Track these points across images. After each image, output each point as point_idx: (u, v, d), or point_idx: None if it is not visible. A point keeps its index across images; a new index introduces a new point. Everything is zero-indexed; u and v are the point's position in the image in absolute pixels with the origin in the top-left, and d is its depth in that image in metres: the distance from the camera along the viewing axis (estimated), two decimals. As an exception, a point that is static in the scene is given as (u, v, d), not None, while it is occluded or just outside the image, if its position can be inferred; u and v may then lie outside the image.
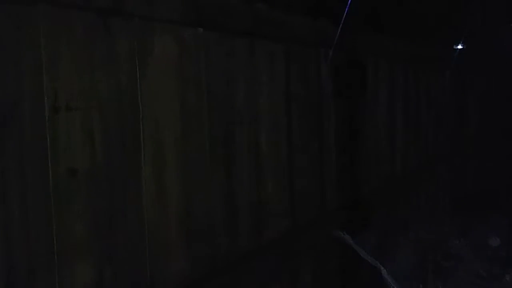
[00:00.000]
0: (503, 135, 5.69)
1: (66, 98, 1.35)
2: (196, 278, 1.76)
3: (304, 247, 2.40)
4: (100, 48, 1.43)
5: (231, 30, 1.96)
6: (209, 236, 1.84)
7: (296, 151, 2.42)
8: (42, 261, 1.31)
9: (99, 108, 1.42)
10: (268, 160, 2.19)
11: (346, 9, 2.82)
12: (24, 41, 1.27)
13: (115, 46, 1.46)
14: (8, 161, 1.24)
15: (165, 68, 1.64)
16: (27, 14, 1.29)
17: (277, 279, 2.23)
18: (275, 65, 2.25)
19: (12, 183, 1.25)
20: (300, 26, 2.43)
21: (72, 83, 1.37)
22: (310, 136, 2.53)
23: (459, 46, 4.44)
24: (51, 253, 1.32)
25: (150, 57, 1.58)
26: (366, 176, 3.13)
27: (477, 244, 4.16)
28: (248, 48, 2.06)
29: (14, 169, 1.25)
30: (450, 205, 4.50)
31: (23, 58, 1.28)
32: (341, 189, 2.82)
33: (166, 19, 1.64)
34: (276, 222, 2.23)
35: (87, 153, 1.39)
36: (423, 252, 3.48)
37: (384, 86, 3.35)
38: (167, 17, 1.63)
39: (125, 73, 1.50)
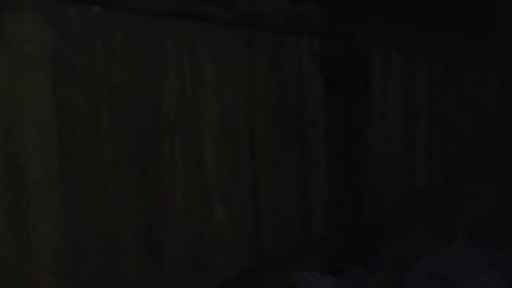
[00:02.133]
0: None
1: None
2: None
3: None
4: None
5: (151, 11, 1.54)
6: None
7: (263, 166, 1.96)
8: None
9: None
10: (217, 179, 1.75)
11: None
12: None
13: None
14: None
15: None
16: None
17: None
18: (229, 56, 1.81)
19: None
20: (269, 9, 1.98)
21: None
22: (286, 146, 2.07)
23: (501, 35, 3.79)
24: None
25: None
26: (371, 194, 2.60)
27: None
28: (181, 33, 1.63)
29: None
30: (483, 231, 3.83)
31: None
32: (333, 211, 2.33)
33: None
34: (228, 260, 1.79)
35: None
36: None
37: (397, 83, 2.81)
38: None
39: None
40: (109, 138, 1.40)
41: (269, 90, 1.99)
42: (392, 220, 2.72)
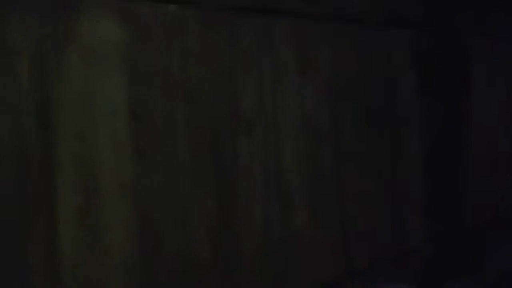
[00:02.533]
0: None
1: None
2: None
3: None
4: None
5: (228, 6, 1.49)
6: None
7: (349, 168, 1.83)
8: None
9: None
10: (299, 182, 1.65)
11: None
12: None
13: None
14: None
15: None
16: None
17: None
18: (313, 52, 1.70)
19: None
20: (356, 1, 1.85)
21: None
22: (376, 148, 1.91)
23: None
24: None
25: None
26: (473, 199, 2.34)
27: None
28: (259, 29, 1.57)
29: None
30: None
31: None
32: (429, 218, 2.13)
33: None
34: (311, 268, 1.68)
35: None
36: None
37: (505, 79, 2.52)
38: None
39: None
40: (183, 138, 1.37)
41: (356, 87, 1.86)
42: (497, 229, 2.45)
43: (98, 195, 1.21)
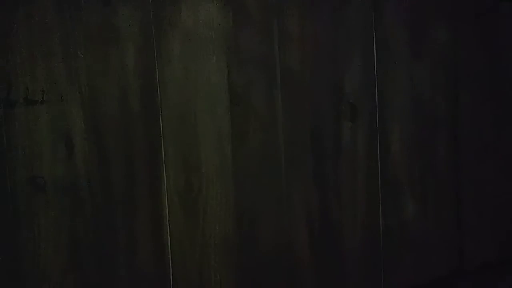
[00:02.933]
0: None
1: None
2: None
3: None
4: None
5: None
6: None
7: (468, 158, 1.66)
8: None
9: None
10: (408, 171, 1.53)
11: None
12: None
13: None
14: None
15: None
16: None
17: None
18: (426, 28, 1.55)
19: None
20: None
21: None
22: (502, 134, 1.70)
23: None
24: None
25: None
26: None
27: None
28: (365, 7, 1.44)
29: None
30: None
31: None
32: None
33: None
34: (419, 264, 1.56)
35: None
36: None
37: None
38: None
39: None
40: (283, 123, 1.35)
41: (480, 67, 1.68)
42: None
43: (199, 176, 1.24)
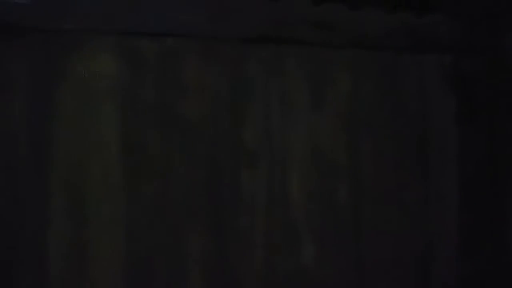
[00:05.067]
0: None
1: None
2: None
3: None
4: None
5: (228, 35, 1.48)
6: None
7: (368, 203, 1.75)
8: None
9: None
10: (308, 218, 1.59)
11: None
12: None
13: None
14: None
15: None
16: None
17: None
18: (328, 81, 1.65)
19: None
20: (381, 26, 1.77)
21: None
22: (402, 181, 1.80)
23: None
24: None
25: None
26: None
27: None
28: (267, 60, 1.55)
29: None
30: None
31: None
32: (467, 256, 1.97)
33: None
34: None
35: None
36: None
37: None
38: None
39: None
40: (179, 172, 1.40)
41: (380, 117, 1.79)
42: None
43: (88, 228, 1.26)
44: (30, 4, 1.18)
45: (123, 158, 1.31)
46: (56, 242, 1.23)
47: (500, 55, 2.07)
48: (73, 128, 1.26)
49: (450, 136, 1.95)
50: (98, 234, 1.28)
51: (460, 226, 1.97)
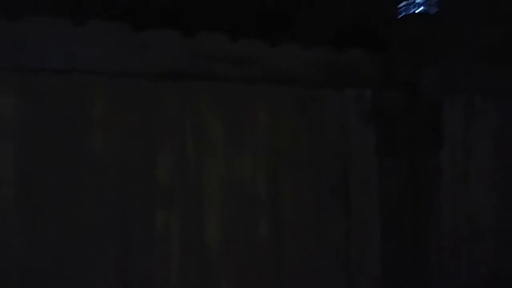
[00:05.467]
0: None
1: None
2: None
3: None
4: None
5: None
6: None
7: (290, 238, 1.75)
8: None
9: None
10: (226, 255, 1.57)
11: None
12: None
13: None
14: None
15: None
16: None
17: None
18: (246, 116, 1.66)
19: None
20: (300, 61, 1.81)
21: None
22: (324, 215, 1.81)
23: None
24: None
25: None
26: (443, 272, 2.20)
27: None
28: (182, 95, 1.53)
29: None
30: None
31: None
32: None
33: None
34: None
35: None
36: None
37: (486, 136, 2.41)
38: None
39: None
40: (86, 210, 1.35)
41: (301, 151, 1.80)
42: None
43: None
44: None
45: (21, 198, 1.25)
46: None
47: (418, 89, 2.15)
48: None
49: (371, 170, 1.99)
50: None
51: (382, 258, 2.00)
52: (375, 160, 1.99)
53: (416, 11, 2.11)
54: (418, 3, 2.15)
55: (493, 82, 2.44)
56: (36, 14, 1.26)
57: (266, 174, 1.70)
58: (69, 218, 1.32)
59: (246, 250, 1.63)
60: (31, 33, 1.26)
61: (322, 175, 1.84)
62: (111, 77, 1.38)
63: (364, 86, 1.98)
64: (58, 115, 1.31)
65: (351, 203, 1.92)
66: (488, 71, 2.45)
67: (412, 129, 2.11)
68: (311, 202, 1.81)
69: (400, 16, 2.20)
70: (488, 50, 2.50)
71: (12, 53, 1.22)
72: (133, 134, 1.42)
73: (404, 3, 2.18)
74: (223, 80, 1.59)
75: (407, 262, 2.07)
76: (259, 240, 1.67)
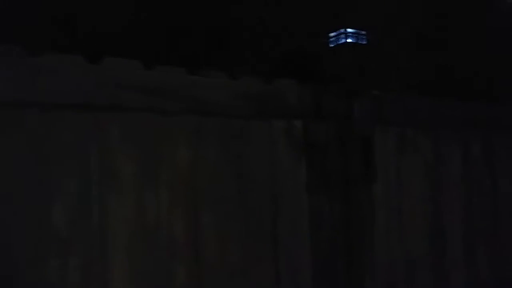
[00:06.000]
0: None
1: None
2: None
3: None
4: None
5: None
6: None
7: (213, 283, 1.59)
8: None
9: None
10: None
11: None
12: None
13: None
14: None
15: None
16: None
17: None
18: (164, 150, 1.50)
19: None
20: (223, 91, 1.68)
21: None
22: (251, 256, 1.66)
23: None
24: None
25: None
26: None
27: None
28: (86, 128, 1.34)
29: None
30: None
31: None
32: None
33: None
34: None
35: None
36: None
37: (418, 168, 2.37)
38: None
39: None
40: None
41: (225, 188, 1.66)
42: None
43: None
44: None
45: None
46: None
47: (350, 121, 2.08)
48: None
49: (302, 208, 1.88)
50: None
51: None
52: (306, 196, 1.88)
53: (347, 40, 2.06)
54: (348, 34, 2.10)
55: (425, 114, 2.42)
56: None
57: (185, 213, 1.53)
58: None
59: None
60: None
61: (249, 214, 1.70)
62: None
63: (294, 117, 1.87)
64: None
65: (281, 244, 1.79)
66: (419, 102, 2.44)
67: (345, 163, 2.03)
68: (237, 244, 1.66)
69: (331, 46, 2.15)
70: (419, 82, 2.50)
71: None
72: (24, 171, 1.23)
73: (334, 33, 2.13)
74: (134, 111, 1.43)
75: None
76: (178, 285, 1.49)
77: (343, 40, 1.88)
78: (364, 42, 1.91)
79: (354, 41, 1.90)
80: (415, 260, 2.26)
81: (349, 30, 1.92)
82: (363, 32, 1.94)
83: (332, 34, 1.94)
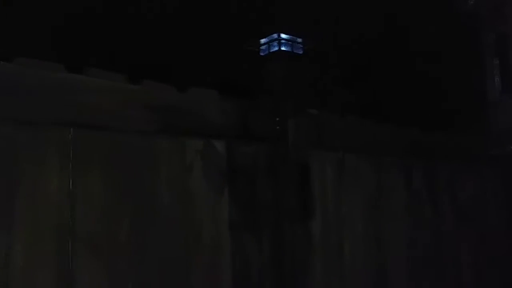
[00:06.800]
0: None
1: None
2: None
3: None
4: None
5: None
6: None
7: None
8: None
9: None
10: None
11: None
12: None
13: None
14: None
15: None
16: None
17: None
18: (32, 172, 1.08)
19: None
20: (116, 99, 1.29)
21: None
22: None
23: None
24: None
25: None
26: None
27: None
28: None
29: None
30: None
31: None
32: None
33: None
34: None
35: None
36: None
37: (359, 199, 2.08)
38: None
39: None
40: None
41: (120, 226, 1.26)
42: None
43: None
44: None
45: None
46: None
47: (282, 144, 1.74)
48: None
49: (222, 250, 1.50)
50: None
51: None
52: (229, 239, 1.51)
53: (281, 49, 1.75)
54: (282, 41, 1.79)
55: (365, 138, 2.15)
56: None
57: (54, 266, 1.11)
58: None
59: None
60: None
61: (149, 266, 1.30)
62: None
63: (215, 136, 1.50)
64: None
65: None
66: (360, 126, 2.16)
67: (277, 195, 1.67)
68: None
69: (262, 54, 1.82)
70: (360, 105, 2.24)
71: None
72: None
73: (265, 39, 1.81)
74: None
75: None
76: None
77: (276, 48, 1.62)
78: (300, 52, 1.66)
79: (288, 50, 1.64)
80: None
81: (283, 36, 1.64)
82: (299, 40, 1.68)
83: (263, 41, 1.66)
